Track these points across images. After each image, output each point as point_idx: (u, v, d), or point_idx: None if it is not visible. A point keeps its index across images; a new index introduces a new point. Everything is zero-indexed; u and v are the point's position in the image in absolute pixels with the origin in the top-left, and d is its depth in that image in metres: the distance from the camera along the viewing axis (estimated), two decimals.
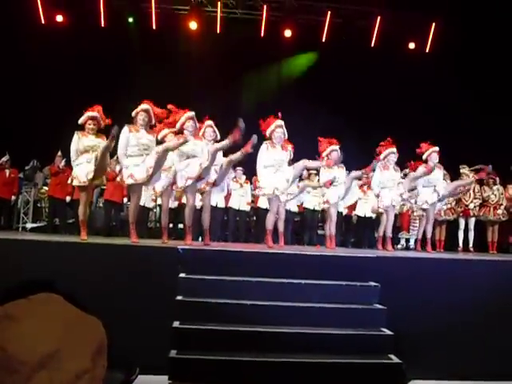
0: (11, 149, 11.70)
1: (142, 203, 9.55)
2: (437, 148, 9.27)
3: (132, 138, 7.17)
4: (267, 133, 7.86)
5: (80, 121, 7.37)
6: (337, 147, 8.93)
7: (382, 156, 9.07)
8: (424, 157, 9.32)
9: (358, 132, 12.63)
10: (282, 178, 7.79)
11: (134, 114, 7.34)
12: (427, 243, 9.39)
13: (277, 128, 7.85)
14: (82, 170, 7.20)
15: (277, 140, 7.84)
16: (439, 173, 9.40)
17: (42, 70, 13.00)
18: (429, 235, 9.41)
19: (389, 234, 9.26)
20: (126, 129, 7.17)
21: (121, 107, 7.75)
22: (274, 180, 7.76)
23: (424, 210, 9.61)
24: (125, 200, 11.36)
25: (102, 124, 7.45)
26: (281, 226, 8.71)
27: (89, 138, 7.30)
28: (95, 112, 7.38)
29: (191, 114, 7.54)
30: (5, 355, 0.83)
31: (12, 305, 0.91)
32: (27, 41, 13.34)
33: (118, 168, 10.72)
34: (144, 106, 7.34)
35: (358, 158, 10.46)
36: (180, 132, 7.58)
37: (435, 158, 9.29)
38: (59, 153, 11.26)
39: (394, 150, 9.05)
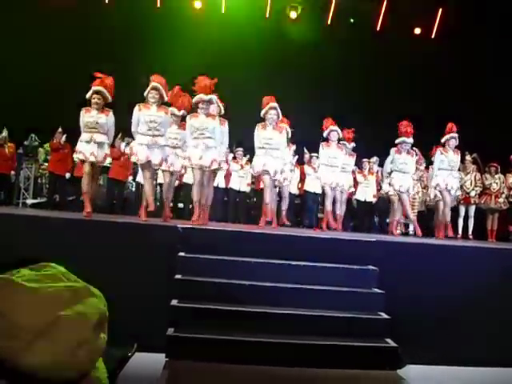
0: (11, 123, 11.66)
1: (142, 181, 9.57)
2: (454, 134, 9.26)
3: (142, 116, 7.25)
4: (261, 114, 7.95)
5: (87, 95, 7.37)
6: (336, 127, 9.03)
7: (397, 141, 9.18)
8: (442, 141, 9.33)
9: (362, 116, 12.56)
10: (272, 159, 7.95)
11: (145, 93, 7.36)
12: (447, 228, 9.38)
13: (270, 110, 8.00)
14: (80, 147, 7.31)
15: (269, 121, 8.00)
16: (457, 158, 9.40)
17: (43, 44, 12.91)
18: (448, 218, 9.38)
19: (397, 217, 9.46)
20: (136, 108, 7.32)
21: (123, 83, 7.69)
22: (263, 160, 7.96)
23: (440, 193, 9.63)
24: (129, 178, 11.38)
25: (109, 98, 7.41)
26: (274, 207, 8.68)
27: (91, 113, 7.30)
28: (98, 86, 7.34)
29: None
30: (6, 321, 0.82)
31: (14, 273, 0.90)
32: (30, 15, 13.24)
33: (122, 146, 10.71)
34: (154, 84, 7.33)
35: (363, 142, 10.47)
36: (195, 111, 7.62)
37: (453, 143, 9.28)
38: (60, 129, 11.25)
39: (405, 139, 9.11)
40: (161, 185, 10.01)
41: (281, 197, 10.29)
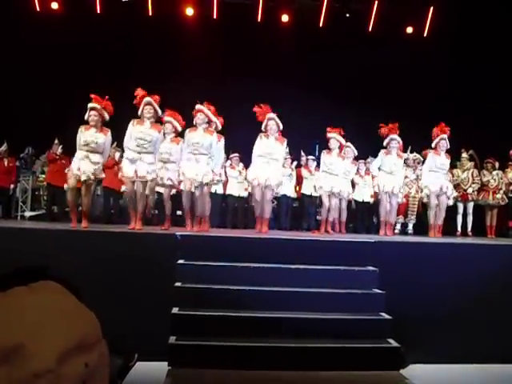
0: (8, 137, 11.66)
1: None
2: (445, 135, 9.23)
3: (134, 131, 7.28)
4: (263, 126, 8.01)
5: (86, 116, 7.38)
6: (333, 135, 9.00)
7: (385, 142, 9.12)
8: (433, 145, 9.30)
9: (356, 117, 12.58)
10: (270, 170, 7.91)
11: (139, 111, 7.40)
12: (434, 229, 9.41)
13: (269, 121, 8.00)
14: (75, 164, 7.31)
15: (270, 132, 7.98)
16: (447, 161, 9.36)
17: (37, 57, 12.91)
18: (440, 222, 9.43)
19: (391, 220, 9.35)
20: (130, 123, 7.37)
21: (117, 94, 7.69)
22: (261, 170, 7.92)
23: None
24: (123, 188, 11.32)
25: (106, 116, 7.42)
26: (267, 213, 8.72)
27: (89, 131, 7.30)
28: (94, 103, 7.37)
29: (199, 106, 7.55)
30: None
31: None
32: (22, 28, 13.23)
33: (117, 155, 10.71)
34: (147, 99, 7.36)
35: (357, 144, 10.47)
36: (194, 125, 7.64)
37: (443, 145, 9.22)
38: (56, 140, 11.25)
39: (395, 136, 9.06)
40: (159, 193, 10.01)
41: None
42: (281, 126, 8.06)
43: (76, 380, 0.88)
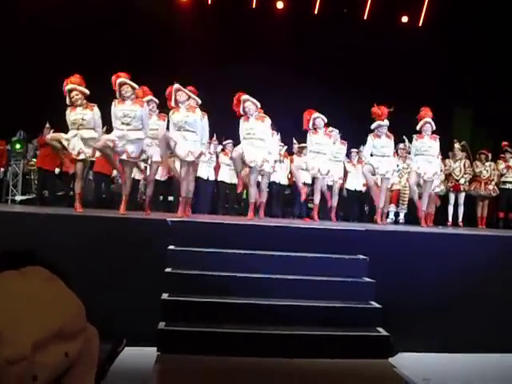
0: None
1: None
2: (429, 119, 9.10)
3: (117, 111, 7.24)
4: (241, 110, 7.99)
5: (67, 101, 7.36)
6: (318, 114, 8.90)
7: (372, 126, 9.00)
8: (418, 127, 9.16)
9: (350, 105, 12.56)
10: (256, 149, 7.92)
11: (117, 93, 7.31)
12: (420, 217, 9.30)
13: (245, 103, 7.96)
14: (71, 144, 7.32)
15: (249, 113, 7.96)
16: (435, 144, 9.16)
17: (28, 40, 12.83)
18: (424, 207, 9.28)
19: (380, 205, 9.21)
20: (112, 104, 7.30)
21: (108, 77, 7.64)
22: (249, 153, 7.91)
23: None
24: (114, 172, 11.29)
25: (86, 91, 7.38)
26: (263, 197, 8.91)
27: (76, 110, 7.32)
28: (70, 84, 7.33)
29: (177, 86, 7.49)
30: None
31: None
32: (13, 10, 13.12)
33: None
34: (121, 80, 7.27)
35: (348, 130, 10.47)
36: (176, 104, 7.56)
37: (428, 128, 9.06)
38: (47, 124, 11.18)
39: (380, 122, 8.95)
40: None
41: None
42: (258, 105, 8.01)
43: (54, 369, 0.87)
